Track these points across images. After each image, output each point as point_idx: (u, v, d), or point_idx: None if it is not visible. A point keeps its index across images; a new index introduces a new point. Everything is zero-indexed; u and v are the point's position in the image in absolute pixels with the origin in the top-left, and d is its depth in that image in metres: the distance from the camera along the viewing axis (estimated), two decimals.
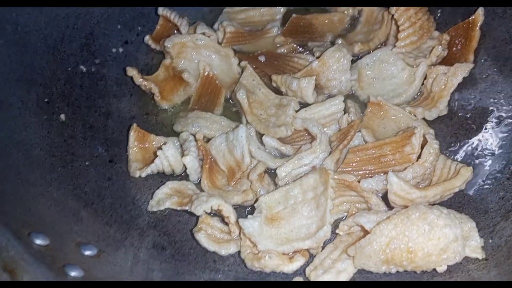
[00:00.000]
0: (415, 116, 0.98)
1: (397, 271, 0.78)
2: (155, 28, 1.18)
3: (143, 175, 0.95)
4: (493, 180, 0.91)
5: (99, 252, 0.80)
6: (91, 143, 1.00)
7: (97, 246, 0.81)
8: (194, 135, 0.98)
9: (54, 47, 1.06)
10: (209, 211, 0.86)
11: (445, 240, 0.75)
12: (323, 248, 0.85)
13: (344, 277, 0.80)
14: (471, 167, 0.87)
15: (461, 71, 1.00)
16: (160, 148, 0.95)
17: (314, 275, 0.81)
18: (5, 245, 0.68)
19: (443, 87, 1.00)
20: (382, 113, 1.00)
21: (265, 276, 0.84)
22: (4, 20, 0.98)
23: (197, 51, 1.09)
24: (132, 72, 1.06)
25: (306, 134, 0.99)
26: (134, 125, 1.00)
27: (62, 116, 1.00)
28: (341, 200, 0.90)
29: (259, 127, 0.98)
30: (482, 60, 1.05)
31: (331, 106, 0.98)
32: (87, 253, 0.79)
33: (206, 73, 1.07)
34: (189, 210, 0.87)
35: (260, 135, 0.98)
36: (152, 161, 0.95)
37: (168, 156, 0.94)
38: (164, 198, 0.91)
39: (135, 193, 0.96)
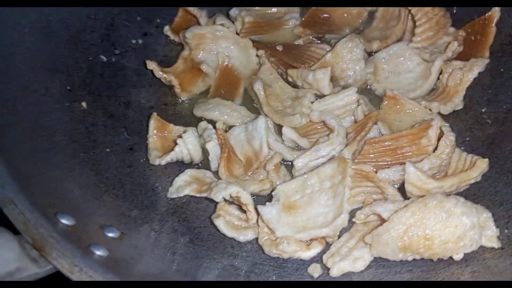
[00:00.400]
0: (430, 110, 1.00)
1: (414, 259, 0.79)
2: (173, 20, 1.20)
3: (163, 163, 0.97)
4: (508, 173, 0.92)
5: (121, 235, 0.82)
6: (111, 131, 1.02)
7: (119, 229, 0.83)
8: (213, 125, 0.99)
9: (76, 36, 1.08)
10: (228, 198, 0.87)
11: (462, 228, 0.76)
12: (339, 237, 0.86)
13: (361, 264, 0.81)
14: (487, 159, 0.88)
15: (477, 66, 1.02)
16: (180, 136, 0.97)
17: (331, 262, 0.82)
18: (33, 224, 0.70)
19: (458, 81, 1.02)
20: (398, 106, 1.01)
21: (283, 262, 0.86)
22: (29, 8, 1.00)
23: (216, 42, 1.10)
24: (152, 65, 1.07)
25: (321, 127, 1.01)
26: (154, 114, 1.02)
27: (84, 104, 1.02)
28: (358, 190, 0.91)
29: (275, 117, 0.99)
30: (498, 55, 1.06)
31: (345, 97, 0.99)
32: (110, 234, 0.81)
33: (225, 64, 1.08)
34: (207, 197, 0.88)
35: (279, 128, 0.99)
36: (172, 149, 0.96)
37: (188, 144, 0.96)
38: (183, 185, 0.93)
39: (154, 180, 0.98)
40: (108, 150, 0.99)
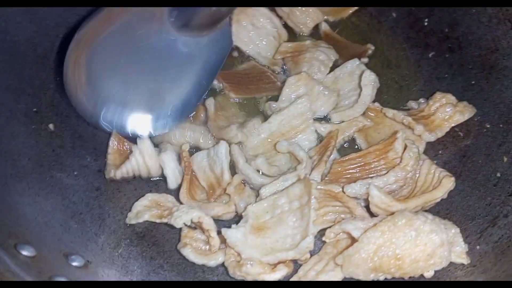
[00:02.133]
0: (413, 130, 0.97)
1: (385, 279, 0.79)
2: None
3: (118, 174, 0.93)
4: (480, 186, 0.92)
5: (86, 263, 0.80)
6: (80, 153, 1.00)
7: (84, 257, 0.81)
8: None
9: (43, 56, 1.06)
10: (189, 223, 0.85)
11: (432, 245, 0.76)
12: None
13: None
14: (453, 178, 0.87)
15: (468, 112, 0.99)
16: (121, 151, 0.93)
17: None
18: None
19: (447, 117, 0.99)
20: (378, 118, 1.00)
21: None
22: None
23: None
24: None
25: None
26: (114, 131, 0.97)
27: (51, 126, 1.00)
28: (326, 210, 0.89)
29: (215, 132, 0.98)
30: (469, 68, 1.06)
31: (298, 105, 0.97)
32: (75, 263, 0.79)
33: None
34: (168, 223, 0.85)
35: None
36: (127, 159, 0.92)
37: (144, 152, 0.91)
38: (143, 210, 0.89)
39: (124, 203, 0.95)
40: (76, 173, 0.96)
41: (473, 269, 0.79)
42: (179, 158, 0.95)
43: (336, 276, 0.81)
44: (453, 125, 0.98)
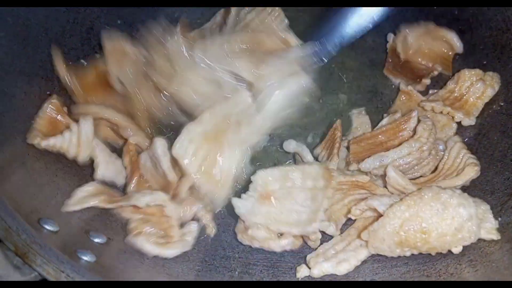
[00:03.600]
0: (452, 117, 0.97)
1: (412, 254, 0.78)
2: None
3: (43, 144, 0.86)
4: (497, 162, 0.92)
5: (108, 240, 0.79)
6: None
7: (106, 234, 0.80)
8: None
9: (55, 40, 1.05)
10: (152, 204, 0.81)
11: (460, 219, 0.74)
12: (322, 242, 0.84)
13: (344, 268, 0.80)
14: (477, 168, 0.86)
15: (497, 83, 0.98)
16: (76, 121, 0.89)
17: (314, 262, 0.81)
18: (16, 229, 0.66)
19: (478, 95, 0.98)
20: (410, 103, 1.01)
21: (276, 261, 0.84)
22: (5, 12, 0.97)
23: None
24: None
25: None
26: (54, 96, 0.94)
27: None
28: (351, 199, 0.88)
29: None
30: (481, 48, 1.07)
31: (238, 100, 0.90)
32: (97, 240, 0.78)
33: None
34: (121, 206, 0.82)
35: None
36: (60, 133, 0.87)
37: (82, 132, 0.87)
38: (87, 196, 0.84)
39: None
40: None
41: (496, 241, 0.79)
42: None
43: (356, 257, 0.80)
44: (486, 101, 0.97)
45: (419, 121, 0.91)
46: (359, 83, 1.12)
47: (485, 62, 1.07)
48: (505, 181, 0.89)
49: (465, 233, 0.75)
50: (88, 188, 0.86)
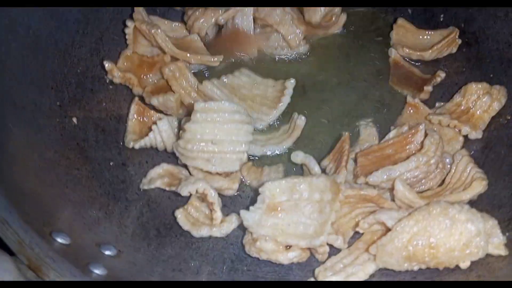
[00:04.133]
0: (459, 131, 0.97)
1: (420, 268, 0.78)
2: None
3: (137, 146, 0.98)
4: (505, 176, 0.93)
5: (118, 252, 0.80)
6: (103, 146, 1.00)
7: (116, 247, 0.81)
8: None
9: (65, 51, 1.06)
10: (193, 193, 0.87)
11: (468, 234, 0.75)
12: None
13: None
14: (484, 182, 0.87)
15: (503, 97, 0.99)
16: (155, 123, 0.97)
17: (322, 276, 0.81)
18: (29, 243, 0.67)
19: (485, 109, 0.99)
20: (417, 115, 1.01)
21: (285, 274, 0.84)
22: (17, 23, 0.98)
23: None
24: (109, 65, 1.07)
25: None
26: (136, 99, 1.03)
27: (74, 120, 1.00)
28: (357, 212, 0.88)
29: None
30: (487, 61, 1.08)
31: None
32: (107, 253, 0.78)
33: None
34: (175, 191, 0.88)
35: None
36: (146, 135, 0.97)
37: (162, 131, 0.96)
38: (156, 178, 0.94)
39: (149, 196, 0.95)
40: (100, 166, 0.97)
41: (504, 257, 0.79)
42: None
43: (364, 271, 0.80)
44: (493, 114, 0.98)
45: (426, 134, 0.92)
46: (366, 93, 1.12)
47: (491, 75, 1.07)
48: None
49: (473, 249, 0.75)
50: (157, 170, 0.95)
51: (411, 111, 1.03)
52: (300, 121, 1.02)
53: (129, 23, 1.10)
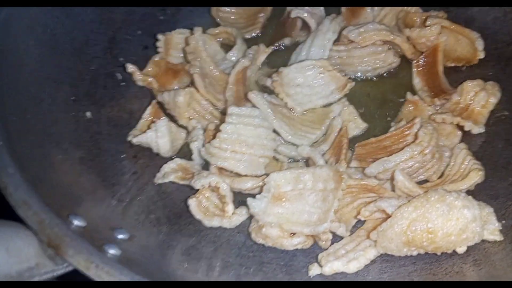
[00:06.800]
0: (462, 127, 1.00)
1: (418, 253, 0.82)
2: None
3: (134, 141, 1.01)
4: (502, 168, 0.96)
5: (131, 236, 0.84)
6: (116, 139, 1.04)
7: (129, 231, 0.84)
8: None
9: (79, 49, 1.11)
10: (206, 186, 0.91)
11: (464, 220, 0.78)
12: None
13: (354, 266, 0.83)
14: (481, 172, 0.90)
15: (498, 92, 1.04)
16: (153, 122, 1.01)
17: (325, 260, 0.84)
18: (48, 223, 0.71)
19: (483, 103, 1.03)
20: (416, 112, 1.05)
21: (289, 260, 0.88)
22: (35, 22, 1.03)
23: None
24: (131, 68, 1.11)
25: None
26: (154, 102, 1.07)
27: (88, 114, 1.05)
28: (360, 202, 0.92)
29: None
30: (486, 60, 1.11)
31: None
32: (120, 236, 0.82)
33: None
34: (189, 184, 0.92)
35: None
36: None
37: (158, 132, 0.98)
38: (170, 172, 0.97)
39: (158, 187, 0.99)
40: (113, 157, 1.01)
41: (500, 242, 0.82)
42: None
43: (365, 256, 0.83)
44: (491, 109, 1.02)
45: (414, 124, 0.95)
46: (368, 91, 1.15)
47: (490, 73, 1.11)
48: (509, 187, 0.93)
49: (469, 234, 0.79)
50: (171, 165, 0.98)
51: (411, 107, 1.06)
52: (337, 122, 1.03)
53: (160, 36, 1.15)
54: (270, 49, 1.11)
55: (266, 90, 1.07)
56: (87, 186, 0.90)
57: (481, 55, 1.10)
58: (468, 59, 1.12)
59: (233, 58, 1.13)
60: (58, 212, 0.75)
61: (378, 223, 0.87)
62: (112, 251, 0.74)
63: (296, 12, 1.15)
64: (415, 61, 1.12)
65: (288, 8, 1.18)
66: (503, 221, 0.85)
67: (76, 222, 0.76)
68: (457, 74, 1.13)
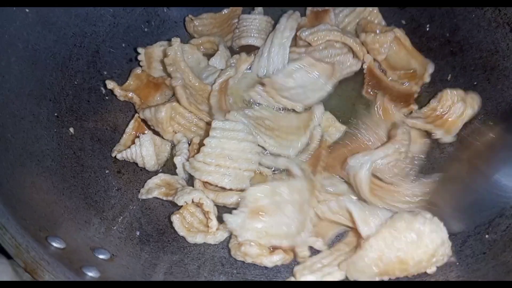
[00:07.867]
0: (431, 133, 1.01)
1: (389, 279, 0.80)
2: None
3: (118, 156, 1.02)
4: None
5: (112, 256, 0.83)
6: (99, 155, 1.04)
7: (109, 251, 0.84)
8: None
9: (62, 64, 1.10)
10: (189, 202, 0.90)
11: (434, 245, 0.77)
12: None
13: (328, 280, 0.82)
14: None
15: (477, 104, 1.03)
16: (137, 136, 1.01)
17: (300, 274, 0.84)
18: (25, 247, 0.70)
19: (459, 114, 1.03)
20: (386, 118, 1.04)
21: (273, 277, 0.87)
22: (16, 38, 1.02)
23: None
24: (111, 84, 1.10)
25: None
26: (136, 115, 1.07)
27: (71, 130, 1.04)
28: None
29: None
30: (471, 69, 1.11)
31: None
32: (101, 256, 0.82)
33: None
34: (172, 201, 0.92)
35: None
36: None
37: (142, 146, 0.99)
38: (153, 188, 0.97)
39: (142, 203, 0.99)
40: (96, 174, 1.00)
41: (484, 255, 0.82)
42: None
43: (339, 271, 0.82)
44: (466, 120, 1.02)
45: (397, 127, 0.96)
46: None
47: (475, 83, 1.11)
48: (494, 199, 0.92)
49: (439, 257, 0.78)
50: (155, 180, 0.98)
51: (381, 113, 1.05)
52: (317, 132, 1.03)
53: (140, 50, 1.15)
54: (251, 58, 1.11)
55: (248, 104, 1.06)
56: (69, 205, 0.89)
57: (427, 79, 1.11)
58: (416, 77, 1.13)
59: (215, 65, 1.13)
60: (36, 234, 0.74)
61: (358, 237, 0.87)
62: (91, 274, 0.74)
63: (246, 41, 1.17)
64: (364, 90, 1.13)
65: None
66: (487, 236, 0.84)
67: (55, 244, 0.76)
68: (442, 83, 1.13)
